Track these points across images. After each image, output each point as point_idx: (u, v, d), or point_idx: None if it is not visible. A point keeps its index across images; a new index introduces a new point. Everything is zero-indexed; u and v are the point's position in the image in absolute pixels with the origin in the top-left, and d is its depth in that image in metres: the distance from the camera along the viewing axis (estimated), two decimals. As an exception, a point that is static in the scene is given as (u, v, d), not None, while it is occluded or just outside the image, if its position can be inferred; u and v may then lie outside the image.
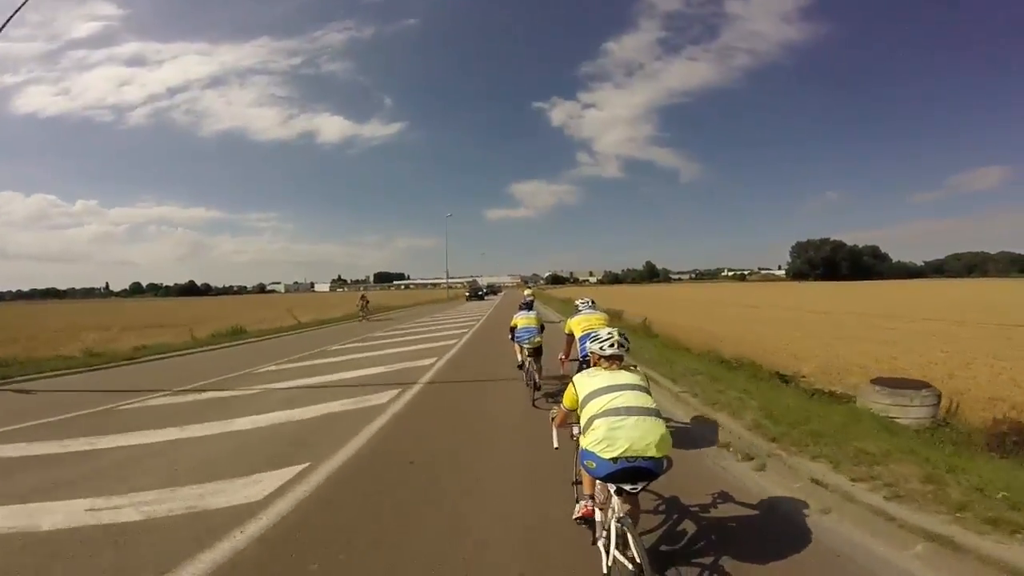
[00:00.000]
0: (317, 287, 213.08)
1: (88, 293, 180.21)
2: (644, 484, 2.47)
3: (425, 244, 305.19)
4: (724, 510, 3.57)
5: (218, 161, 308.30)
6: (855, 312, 23.02)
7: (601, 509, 2.73)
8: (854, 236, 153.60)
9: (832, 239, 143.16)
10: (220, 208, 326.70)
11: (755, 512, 3.57)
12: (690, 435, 5.24)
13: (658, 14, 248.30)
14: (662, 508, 3.61)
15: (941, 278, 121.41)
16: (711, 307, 29.15)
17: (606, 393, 2.58)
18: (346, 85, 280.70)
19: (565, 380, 5.31)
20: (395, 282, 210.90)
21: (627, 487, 2.45)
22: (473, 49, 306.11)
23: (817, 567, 2.90)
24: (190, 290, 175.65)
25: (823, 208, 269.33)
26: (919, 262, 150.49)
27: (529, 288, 33.43)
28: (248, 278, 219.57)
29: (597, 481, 2.64)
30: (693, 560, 2.96)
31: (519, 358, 7.43)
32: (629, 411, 2.48)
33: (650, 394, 2.66)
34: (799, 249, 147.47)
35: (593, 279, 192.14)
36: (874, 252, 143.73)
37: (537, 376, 6.80)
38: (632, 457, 2.38)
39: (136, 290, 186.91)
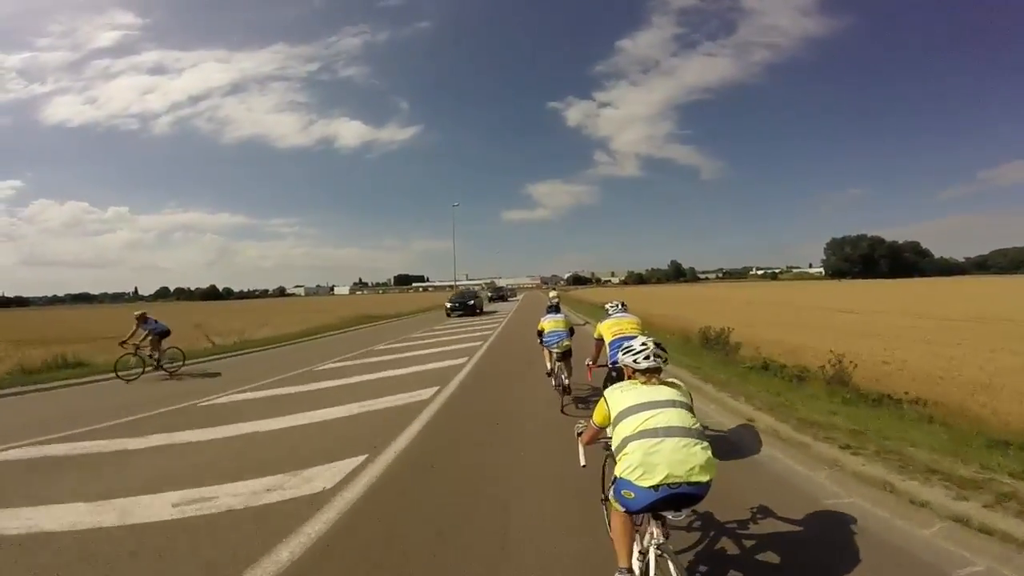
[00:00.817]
0: (337, 290, 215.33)
1: (117, 298, 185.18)
2: (687, 511, 2.25)
3: (443, 246, 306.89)
4: (765, 525, 3.31)
5: (241, 168, 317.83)
6: (975, 318, 18.38)
7: (637, 533, 2.45)
8: (883, 234, 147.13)
9: (869, 235, 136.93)
10: (244, 214, 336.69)
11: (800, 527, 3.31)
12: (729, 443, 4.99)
13: (672, 10, 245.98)
14: (696, 525, 3.32)
15: (985, 275, 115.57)
16: (762, 310, 25.90)
17: (642, 411, 2.32)
18: (363, 90, 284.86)
19: (595, 387, 5.83)
20: (414, 284, 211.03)
21: (669, 515, 2.24)
22: (487, 51, 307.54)
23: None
24: (212, 294, 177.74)
25: (848, 205, 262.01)
26: (959, 258, 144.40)
27: (554, 291, 33.20)
28: (272, 282, 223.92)
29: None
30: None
31: (548, 364, 7.30)
32: (668, 432, 2.22)
33: (692, 411, 2.38)
34: (834, 246, 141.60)
35: (615, 279, 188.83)
36: (915, 248, 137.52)
37: (567, 381, 6.62)
38: (674, 483, 2.12)
39: (162, 294, 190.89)
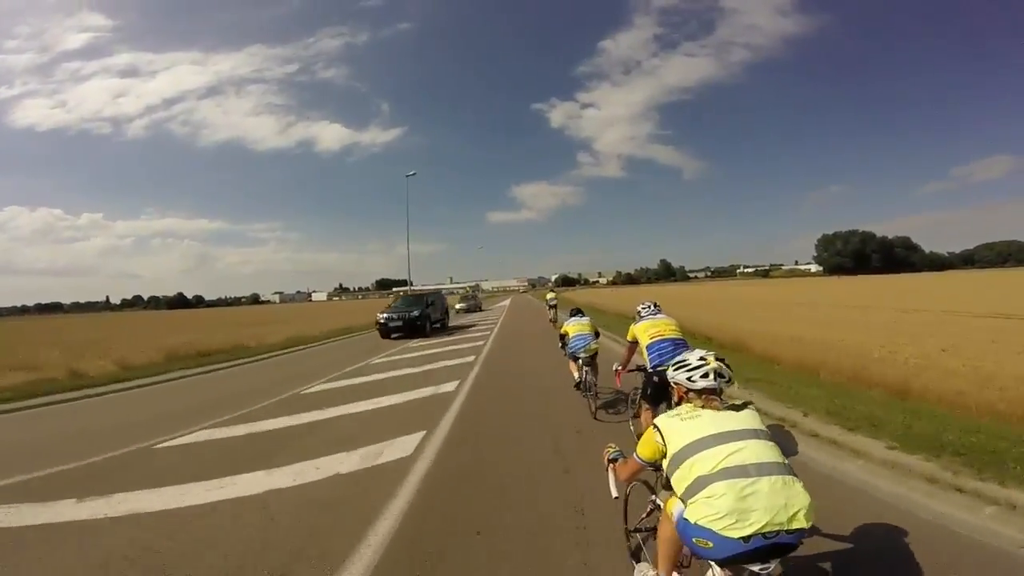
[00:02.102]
0: (315, 296, 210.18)
1: (87, 307, 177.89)
2: (776, 563, 1.84)
3: (428, 249, 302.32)
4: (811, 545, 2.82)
5: (219, 172, 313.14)
6: (1012, 314, 15.51)
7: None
8: (864, 229, 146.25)
9: (861, 230, 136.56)
10: (224, 219, 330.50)
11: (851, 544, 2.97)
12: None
13: (653, 10, 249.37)
14: None
15: (975, 269, 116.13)
16: (784, 310, 22.44)
17: (718, 444, 1.90)
18: (343, 91, 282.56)
19: (620, 393, 6.78)
20: (395, 289, 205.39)
21: (757, 567, 1.80)
22: (469, 52, 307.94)
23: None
24: (180, 302, 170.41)
25: (829, 201, 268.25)
26: (943, 252, 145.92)
27: (552, 292, 27.53)
28: (253, 289, 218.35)
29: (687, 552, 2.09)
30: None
31: (575, 376, 6.97)
32: (760, 470, 1.82)
33: (776, 442, 1.98)
34: (825, 242, 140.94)
35: (603, 280, 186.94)
36: (906, 243, 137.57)
37: (595, 386, 6.47)
38: (771, 532, 1.73)
39: (135, 303, 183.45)
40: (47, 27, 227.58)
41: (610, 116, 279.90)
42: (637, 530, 2.79)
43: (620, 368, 5.21)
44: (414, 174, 30.04)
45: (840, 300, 28.44)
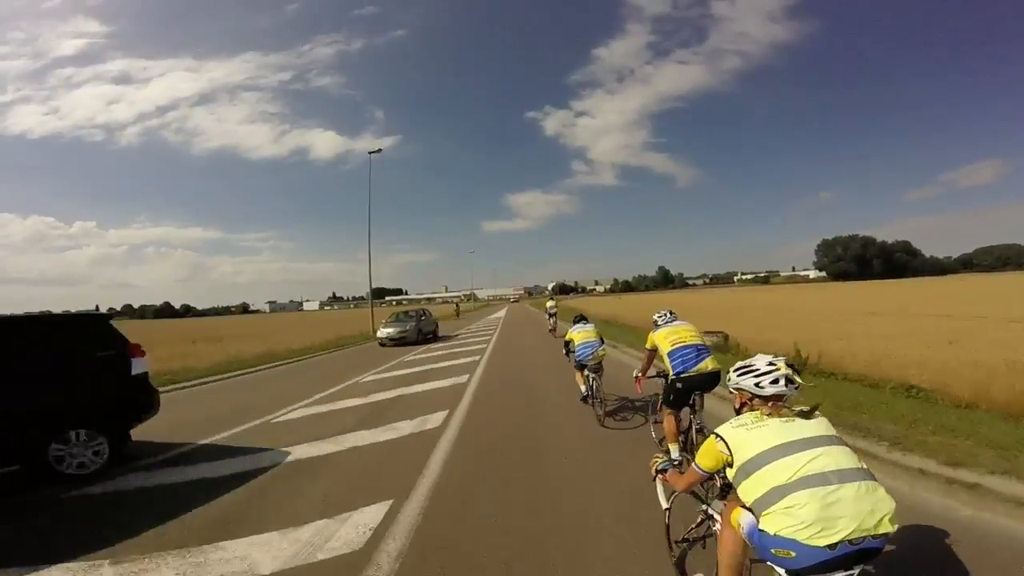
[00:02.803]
0: (307, 306, 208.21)
1: None
2: (860, 568, 1.78)
3: (423, 259, 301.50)
4: None
5: (213, 180, 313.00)
6: None
7: None
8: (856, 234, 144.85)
9: (861, 235, 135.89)
10: (217, 228, 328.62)
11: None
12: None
13: (646, 18, 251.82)
14: None
15: (978, 273, 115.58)
16: (806, 317, 20.56)
17: (794, 452, 1.86)
18: (337, 99, 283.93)
19: (626, 400, 7.02)
20: (387, 298, 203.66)
21: (840, 574, 1.76)
22: (463, 60, 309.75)
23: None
24: (167, 312, 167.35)
25: (820, 208, 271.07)
26: (939, 257, 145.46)
27: (552, 300, 27.69)
28: (247, 298, 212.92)
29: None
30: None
31: (582, 388, 6.92)
32: (842, 476, 1.79)
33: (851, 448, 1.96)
34: (825, 247, 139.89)
35: (600, 288, 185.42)
36: (906, 248, 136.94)
37: (601, 393, 6.43)
38: (858, 539, 1.71)
39: (125, 312, 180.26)
40: (40, 33, 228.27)
41: (604, 124, 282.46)
42: (685, 540, 2.75)
43: (640, 375, 5.15)
44: (379, 151, 27.14)
45: (853, 306, 26.65)
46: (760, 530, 1.86)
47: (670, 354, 4.49)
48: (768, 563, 1.90)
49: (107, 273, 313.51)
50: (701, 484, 2.39)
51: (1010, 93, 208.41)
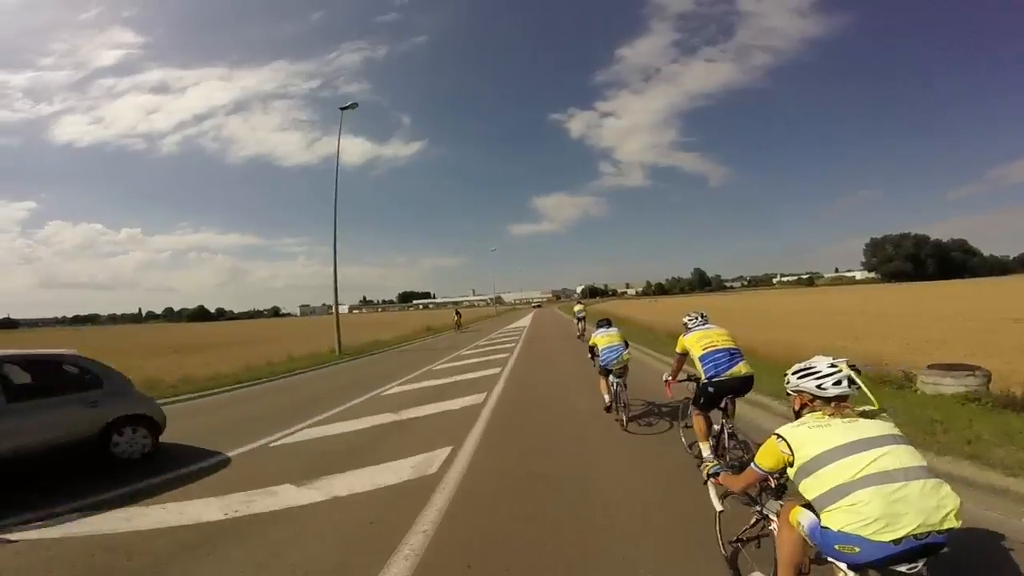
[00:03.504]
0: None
1: (119, 319, 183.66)
2: (923, 562, 1.84)
3: (451, 263, 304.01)
4: None
5: (249, 187, 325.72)
6: None
7: None
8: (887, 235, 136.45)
9: (914, 234, 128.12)
10: (254, 234, 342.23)
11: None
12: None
13: (670, 16, 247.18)
14: None
15: None
16: (898, 322, 17.94)
17: (858, 451, 1.91)
18: (365, 106, 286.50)
19: (653, 405, 7.03)
20: (415, 302, 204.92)
21: (905, 568, 1.83)
22: (485, 63, 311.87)
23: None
24: (201, 315, 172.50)
25: (859, 207, 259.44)
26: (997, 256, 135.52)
27: (580, 304, 26.44)
28: (284, 302, 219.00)
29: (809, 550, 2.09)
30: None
31: (606, 398, 6.75)
32: (907, 474, 1.85)
33: (914, 446, 2.01)
34: (874, 247, 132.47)
35: (631, 291, 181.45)
36: (963, 247, 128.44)
37: (626, 397, 6.43)
38: (923, 534, 1.77)
39: (164, 316, 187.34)
40: (80, 43, 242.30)
41: (631, 124, 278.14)
42: (739, 540, 2.77)
43: (670, 379, 5.08)
44: (353, 106, 19.56)
45: (944, 310, 23.57)
46: (823, 527, 1.92)
47: (702, 358, 4.47)
48: (829, 560, 1.96)
49: (152, 277, 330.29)
50: (754, 485, 2.46)
51: None
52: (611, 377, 6.53)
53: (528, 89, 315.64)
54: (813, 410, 2.18)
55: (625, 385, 6.49)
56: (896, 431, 2.03)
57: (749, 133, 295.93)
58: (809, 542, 2.06)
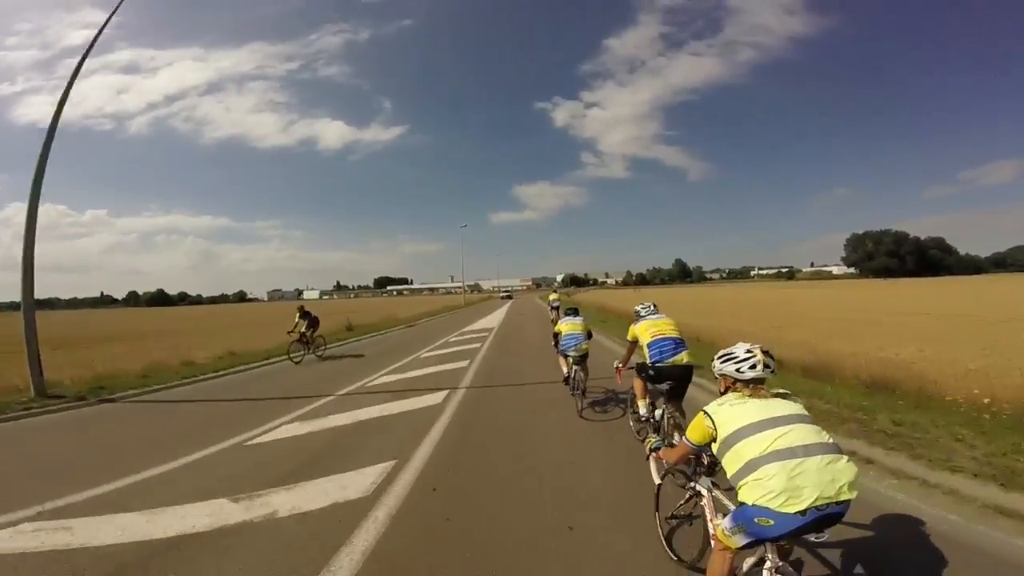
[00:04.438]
0: (307, 294, 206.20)
1: (74, 303, 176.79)
2: (828, 531, 2.14)
3: (431, 249, 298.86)
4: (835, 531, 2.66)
5: (221, 169, 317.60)
6: None
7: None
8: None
9: (894, 230, 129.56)
10: (227, 216, 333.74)
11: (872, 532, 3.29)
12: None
13: (658, 8, 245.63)
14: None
15: (1005, 272, 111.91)
16: (912, 321, 15.59)
17: (768, 428, 2.12)
18: (345, 89, 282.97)
19: (612, 392, 7.27)
20: (389, 288, 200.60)
21: (813, 537, 2.12)
22: (472, 49, 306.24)
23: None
24: (160, 300, 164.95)
25: (834, 204, 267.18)
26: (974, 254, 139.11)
27: (555, 293, 25.91)
28: (258, 286, 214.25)
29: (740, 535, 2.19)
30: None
31: (564, 370, 7.30)
32: (807, 451, 2.05)
33: (819, 425, 2.24)
34: (855, 242, 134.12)
35: (611, 281, 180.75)
36: (940, 245, 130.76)
37: (584, 385, 6.77)
38: (823, 505, 1.98)
39: (128, 300, 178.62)
40: (48, 24, 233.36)
41: (615, 116, 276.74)
42: (674, 517, 3.02)
43: (620, 366, 5.43)
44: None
45: (949, 308, 21.80)
46: (741, 503, 2.12)
47: (649, 345, 4.78)
48: (752, 538, 2.12)
49: (119, 260, 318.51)
50: (688, 463, 2.83)
51: None
52: (570, 362, 6.95)
53: (513, 76, 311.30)
54: (735, 391, 2.37)
55: (585, 372, 6.81)
56: (803, 411, 2.23)
57: (729, 129, 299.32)
58: (739, 540, 2.17)
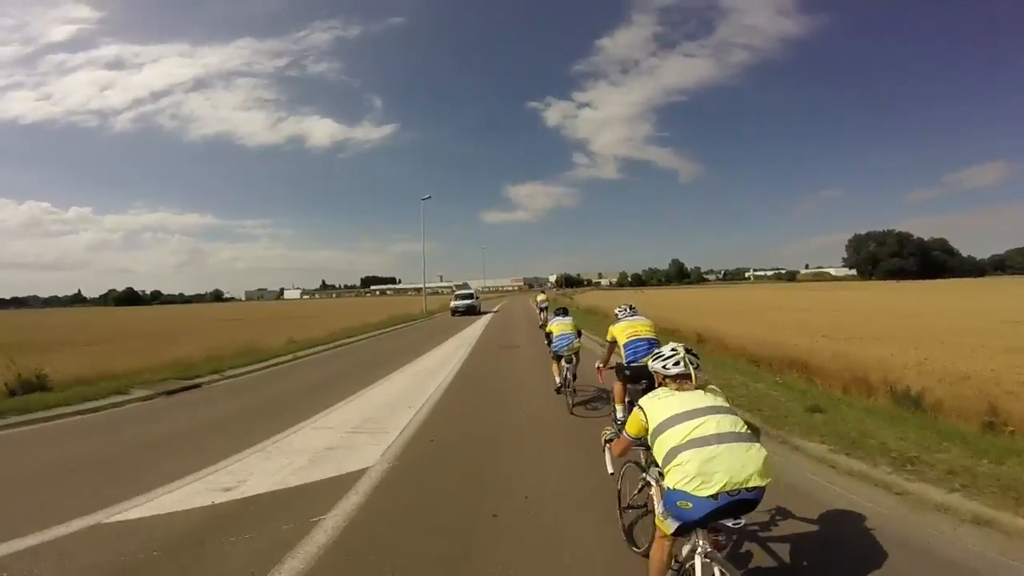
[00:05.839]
0: (288, 294, 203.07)
1: (48, 302, 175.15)
2: (746, 517, 2.33)
3: (420, 248, 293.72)
4: (786, 527, 3.57)
5: (209, 166, 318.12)
6: None
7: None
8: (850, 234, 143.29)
9: (897, 230, 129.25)
10: (214, 214, 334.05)
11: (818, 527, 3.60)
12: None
13: (652, 8, 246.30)
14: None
15: (1005, 275, 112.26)
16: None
17: (688, 419, 2.38)
18: (334, 86, 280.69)
19: (601, 392, 7.43)
20: (373, 287, 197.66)
21: (728, 522, 2.30)
22: (463, 48, 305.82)
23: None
24: (129, 299, 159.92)
25: (822, 206, 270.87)
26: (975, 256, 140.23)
27: (542, 293, 25.52)
28: (247, 285, 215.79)
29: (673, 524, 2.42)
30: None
31: (557, 379, 7.77)
32: (720, 439, 2.28)
33: (736, 414, 2.48)
34: (856, 243, 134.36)
35: (605, 281, 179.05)
36: (942, 246, 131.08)
37: (573, 382, 7.24)
38: (734, 490, 2.20)
39: (97, 299, 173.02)
40: (30, 19, 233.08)
41: (607, 116, 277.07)
42: (630, 507, 3.30)
43: (601, 366, 5.76)
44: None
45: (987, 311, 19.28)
46: (667, 487, 2.33)
47: (625, 345, 5.28)
48: (679, 522, 2.32)
49: (104, 258, 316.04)
50: (642, 454, 3.03)
51: (1013, 96, 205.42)
52: (562, 362, 7.51)
53: (505, 76, 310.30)
54: (664, 386, 2.63)
55: (575, 370, 7.33)
56: (722, 403, 2.46)
57: (720, 130, 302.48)
58: (672, 525, 2.38)
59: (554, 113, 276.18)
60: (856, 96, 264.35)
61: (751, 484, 2.15)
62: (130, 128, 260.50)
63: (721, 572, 2.20)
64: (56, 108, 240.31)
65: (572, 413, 6.87)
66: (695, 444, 2.22)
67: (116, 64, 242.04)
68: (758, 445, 2.27)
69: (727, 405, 2.45)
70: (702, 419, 2.30)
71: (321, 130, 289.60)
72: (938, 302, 32.07)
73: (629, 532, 3.25)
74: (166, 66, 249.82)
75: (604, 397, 7.22)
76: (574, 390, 7.12)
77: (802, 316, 23.30)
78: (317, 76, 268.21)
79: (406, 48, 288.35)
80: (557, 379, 7.64)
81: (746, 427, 2.35)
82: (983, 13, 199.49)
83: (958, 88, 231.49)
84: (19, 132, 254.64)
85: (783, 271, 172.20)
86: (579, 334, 7.62)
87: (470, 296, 37.46)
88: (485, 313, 35.53)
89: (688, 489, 2.16)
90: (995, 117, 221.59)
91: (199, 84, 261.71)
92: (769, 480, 2.19)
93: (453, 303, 36.14)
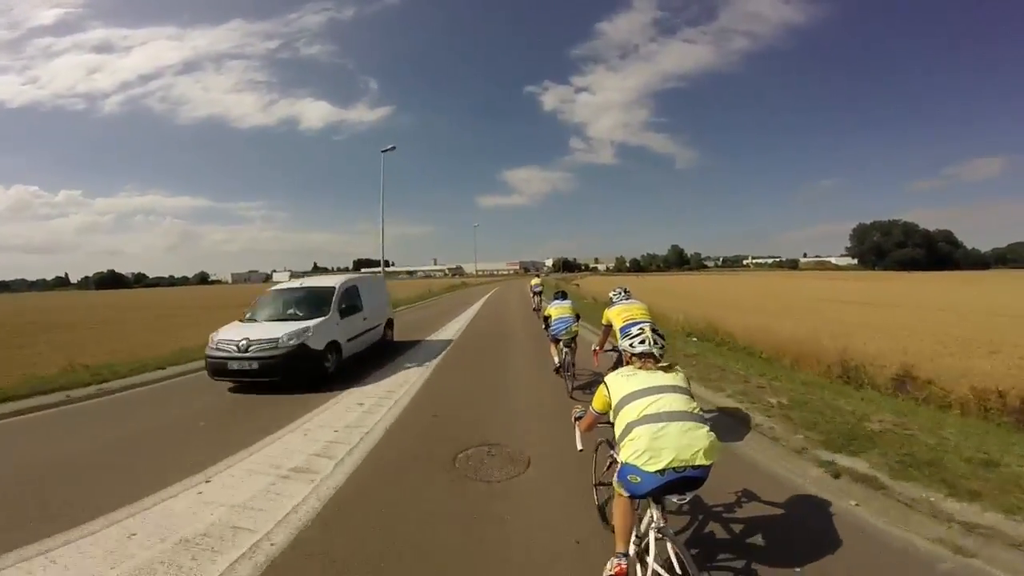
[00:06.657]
0: (276, 276, 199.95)
1: (33, 285, 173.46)
2: (692, 494, 2.48)
3: (415, 232, 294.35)
4: (750, 509, 3.74)
5: (201, 149, 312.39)
6: None
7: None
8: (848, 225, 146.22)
9: (903, 221, 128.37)
10: (207, 197, 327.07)
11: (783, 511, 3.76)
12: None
13: None
14: (685, 508, 3.46)
15: (1008, 268, 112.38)
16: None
17: (643, 396, 2.54)
18: (328, 68, 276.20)
19: (599, 376, 6.80)
20: (363, 270, 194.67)
21: (674, 498, 2.46)
22: (461, 30, 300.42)
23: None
24: (110, 281, 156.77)
25: (821, 196, 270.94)
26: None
27: (537, 277, 25.38)
28: (237, 267, 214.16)
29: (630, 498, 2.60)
30: (725, 565, 3.04)
31: (555, 360, 8.05)
32: (671, 416, 2.44)
33: (692, 396, 2.63)
34: (861, 233, 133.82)
35: (602, 267, 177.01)
36: (947, 238, 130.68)
37: (573, 366, 7.42)
38: (680, 467, 2.34)
39: (67, 282, 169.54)
40: (15, 3, 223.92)
41: (604, 101, 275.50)
42: (601, 484, 3.48)
43: (597, 349, 6.10)
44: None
45: None
46: (621, 461, 2.49)
47: (621, 329, 5.36)
48: (629, 494, 2.50)
49: (95, 241, 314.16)
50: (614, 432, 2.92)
51: (1015, 90, 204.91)
52: (560, 345, 7.74)
53: (503, 59, 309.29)
54: (630, 363, 2.81)
55: (574, 354, 7.49)
56: (680, 383, 2.61)
57: (718, 117, 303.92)
58: (625, 493, 2.55)
59: (551, 97, 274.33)
60: (856, 86, 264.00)
61: (697, 462, 2.32)
62: (119, 111, 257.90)
63: (673, 548, 2.37)
64: (43, 92, 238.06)
65: (572, 397, 7.01)
66: (647, 420, 2.40)
67: (104, 47, 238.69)
68: (707, 427, 2.43)
69: (684, 385, 2.62)
70: (657, 396, 2.48)
71: (315, 112, 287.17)
72: (975, 294, 29.18)
73: (601, 510, 3.49)
74: (155, 49, 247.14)
75: (602, 380, 6.41)
76: (573, 375, 7.28)
77: (881, 314, 18.62)
78: (310, 58, 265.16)
79: (402, 30, 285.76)
80: (556, 359, 7.93)
81: (699, 408, 2.53)
82: (985, 8, 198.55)
83: (957, 82, 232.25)
84: (6, 116, 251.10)
85: (782, 259, 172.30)
86: (577, 318, 7.85)
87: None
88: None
89: (638, 464, 2.35)
90: (993, 112, 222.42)
91: (189, 67, 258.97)
92: (714, 460, 2.36)
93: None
